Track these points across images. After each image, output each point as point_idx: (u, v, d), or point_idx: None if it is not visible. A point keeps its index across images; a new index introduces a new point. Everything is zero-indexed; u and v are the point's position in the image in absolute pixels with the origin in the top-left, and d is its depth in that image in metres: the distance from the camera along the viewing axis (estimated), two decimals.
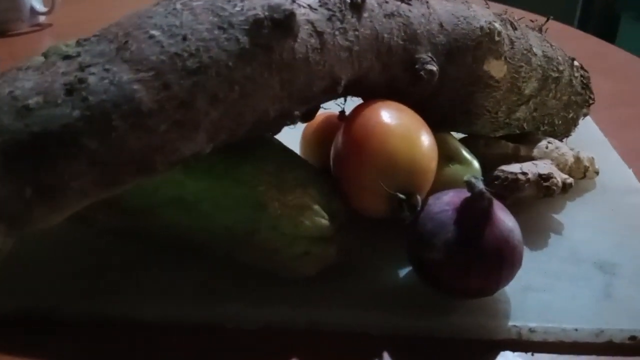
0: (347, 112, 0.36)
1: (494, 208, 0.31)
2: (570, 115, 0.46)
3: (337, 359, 0.32)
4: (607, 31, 1.50)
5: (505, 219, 0.32)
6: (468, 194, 0.31)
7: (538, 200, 0.41)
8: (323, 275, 0.34)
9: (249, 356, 0.32)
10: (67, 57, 0.26)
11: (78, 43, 0.27)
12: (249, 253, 0.34)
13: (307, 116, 0.36)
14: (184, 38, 0.27)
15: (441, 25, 0.37)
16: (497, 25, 0.38)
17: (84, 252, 0.38)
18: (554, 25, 0.46)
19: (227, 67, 0.28)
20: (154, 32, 0.26)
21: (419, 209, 0.32)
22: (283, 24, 0.29)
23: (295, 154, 0.37)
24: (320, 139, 0.42)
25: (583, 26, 1.50)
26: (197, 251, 0.36)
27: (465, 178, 0.31)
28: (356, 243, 0.37)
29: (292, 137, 0.40)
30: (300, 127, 0.41)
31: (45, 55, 0.38)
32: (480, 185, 0.30)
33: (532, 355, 0.32)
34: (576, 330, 0.32)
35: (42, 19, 0.96)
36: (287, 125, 0.33)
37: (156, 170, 0.28)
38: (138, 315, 0.34)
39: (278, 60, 0.29)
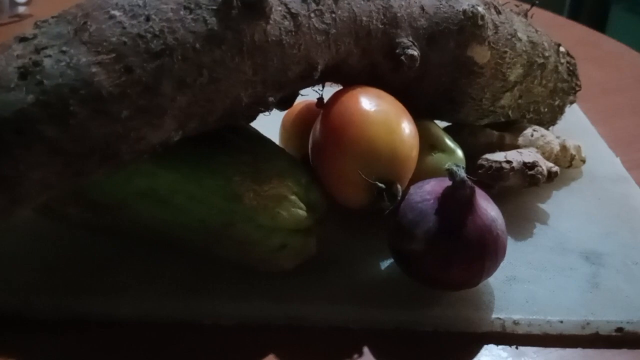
0: (326, 99, 0.35)
1: (476, 197, 0.30)
2: (557, 102, 0.45)
3: (318, 354, 0.31)
4: (597, 21, 1.49)
5: (487, 208, 0.31)
6: (450, 183, 0.30)
7: (524, 190, 0.40)
8: (302, 268, 0.33)
9: (227, 353, 0.31)
10: (23, 40, 0.24)
11: (36, 25, 0.25)
12: (226, 247, 0.33)
13: (285, 103, 0.35)
14: (147, 18, 0.25)
15: (422, 8, 0.35)
16: (480, 9, 0.37)
17: (56, 247, 0.36)
18: (543, 14, 0.45)
19: (194, 50, 0.26)
20: (115, 12, 0.25)
21: (399, 198, 0.31)
22: (254, 4, 0.27)
23: (273, 143, 0.36)
24: (299, 128, 0.40)
25: (573, 16, 1.49)
26: (172, 246, 0.35)
27: (447, 166, 0.29)
28: (336, 235, 0.36)
29: (271, 126, 0.38)
30: (279, 115, 0.40)
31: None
32: (462, 173, 0.29)
33: (517, 348, 0.31)
34: (561, 322, 0.32)
35: (21, 9, 0.94)
36: (262, 112, 0.32)
37: (122, 160, 0.26)
38: (112, 312, 0.33)
39: (249, 43, 0.28)
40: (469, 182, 0.29)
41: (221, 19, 0.27)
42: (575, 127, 0.50)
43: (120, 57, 0.24)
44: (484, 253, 0.30)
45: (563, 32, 0.62)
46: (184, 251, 0.35)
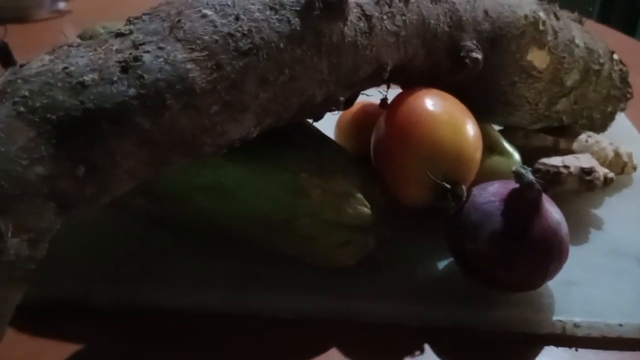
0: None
1: (543, 199, 0.30)
2: (609, 109, 0.45)
3: (375, 350, 0.32)
4: (627, 25, 1.48)
5: (552, 211, 0.31)
6: (514, 185, 0.31)
7: (576, 195, 0.40)
8: (361, 266, 0.34)
9: (285, 346, 0.32)
10: (119, 35, 0.25)
11: (129, 21, 0.26)
12: (287, 241, 0.34)
13: (347, 103, 0.36)
14: (237, 18, 0.26)
15: (486, 12, 0.36)
16: (541, 14, 0.38)
17: (118, 240, 0.38)
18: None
19: (277, 49, 0.27)
20: (206, 11, 0.26)
21: (464, 199, 0.32)
22: (334, 6, 0.28)
23: (334, 141, 0.37)
24: (356, 128, 0.41)
25: (602, 20, 1.48)
26: (233, 239, 0.36)
27: (514, 168, 0.30)
28: (393, 233, 0.37)
29: (324, 126, 0.39)
30: (330, 116, 0.41)
31: (81, 37, 0.38)
32: (530, 175, 0.30)
33: (576, 350, 0.31)
34: (621, 325, 0.32)
35: (61, 5, 0.96)
36: (331, 111, 0.32)
37: (204, 152, 0.27)
38: (172, 302, 0.34)
39: (328, 43, 0.29)
40: (537, 185, 0.30)
41: (303, 19, 0.27)
42: (621, 134, 0.50)
43: (212, 54, 0.25)
44: (549, 256, 0.30)
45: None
46: (244, 245, 0.36)
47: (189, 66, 0.25)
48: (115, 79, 0.23)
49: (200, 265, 0.35)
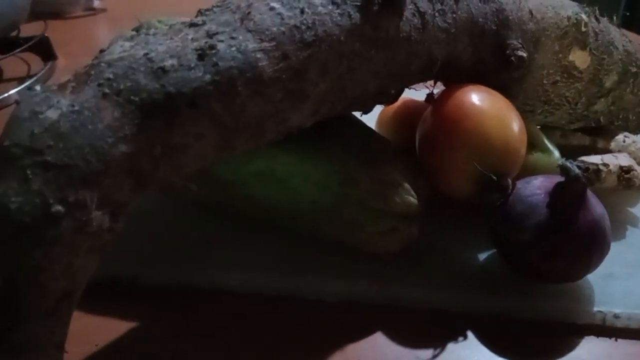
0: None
1: (587, 193, 0.31)
2: None
3: (417, 334, 0.33)
4: None
5: (596, 204, 0.32)
6: (558, 179, 0.32)
7: (613, 193, 0.41)
8: (405, 253, 0.35)
9: (328, 328, 0.33)
10: (193, 25, 0.27)
11: (200, 13, 0.28)
12: (334, 228, 0.35)
13: (395, 97, 0.37)
14: (302, 11, 0.27)
15: (531, 13, 0.37)
16: (583, 16, 0.39)
17: (167, 223, 0.39)
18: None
19: (338, 42, 0.28)
20: (274, 4, 0.27)
21: (509, 190, 0.33)
22: (392, 1, 0.29)
23: (378, 133, 0.38)
24: (397, 124, 0.42)
25: (626, 25, 1.47)
26: (282, 225, 0.37)
27: (560, 162, 0.31)
28: (435, 223, 0.38)
29: (365, 121, 0.40)
30: (373, 112, 0.42)
31: (137, 30, 0.40)
32: (576, 169, 0.31)
33: (616, 340, 0.32)
34: None
35: (96, 3, 0.98)
36: (381, 103, 0.34)
37: (265, 138, 0.29)
38: (221, 284, 0.35)
39: (384, 37, 0.30)
40: (583, 178, 0.31)
41: (363, 14, 0.29)
42: None
43: (279, 45, 0.27)
44: (592, 248, 0.31)
45: None
46: (291, 231, 0.37)
47: (258, 55, 0.26)
48: (192, 65, 0.25)
49: (248, 249, 0.37)
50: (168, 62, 0.25)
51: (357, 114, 0.37)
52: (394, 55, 0.31)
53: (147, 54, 0.25)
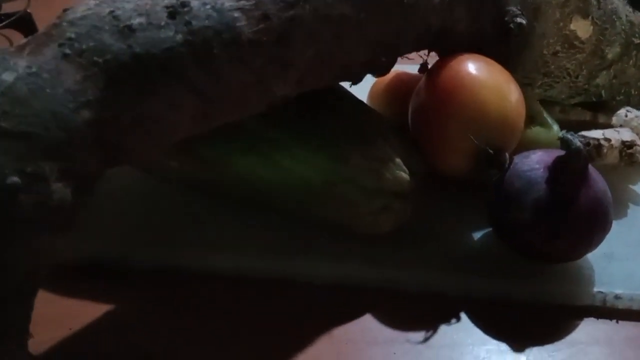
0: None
1: (589, 168, 0.30)
2: None
3: (409, 317, 0.31)
4: None
5: (598, 180, 0.30)
6: (558, 153, 0.30)
7: (614, 170, 0.39)
8: (398, 234, 0.33)
9: (317, 311, 0.32)
10: None
11: None
12: (325, 206, 0.33)
13: (387, 68, 0.35)
14: None
15: None
16: None
17: (153, 203, 0.37)
18: None
19: (325, 4, 0.26)
20: None
21: (506, 166, 0.31)
22: None
23: (370, 107, 0.36)
24: (390, 98, 0.40)
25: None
26: (270, 205, 0.35)
27: (561, 134, 0.29)
28: (430, 202, 0.36)
29: (357, 94, 0.38)
30: (364, 84, 0.40)
31: None
32: (578, 142, 0.29)
33: (617, 322, 0.31)
34: None
35: None
36: (372, 74, 0.32)
37: (246, 110, 0.27)
38: (208, 267, 0.33)
39: (374, 1, 0.28)
40: (584, 152, 0.29)
41: None
42: None
43: (260, 3, 0.24)
44: (594, 225, 0.30)
45: None
46: (279, 211, 0.35)
47: (236, 15, 0.24)
48: (162, 24, 0.23)
49: (236, 231, 0.35)
50: (136, 21, 0.22)
51: (347, 85, 0.35)
52: (386, 22, 0.29)
53: (112, 11, 0.23)
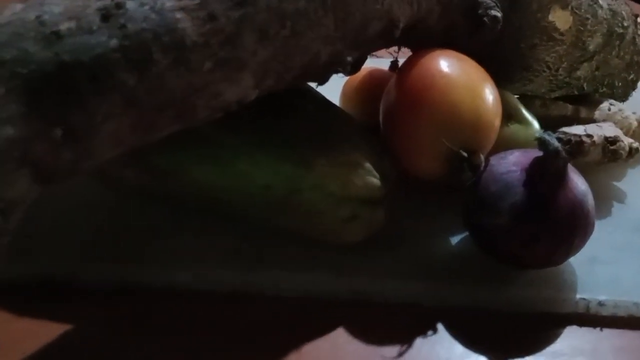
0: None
1: (568, 169, 0.28)
2: (631, 77, 0.43)
3: (385, 331, 0.30)
4: None
5: (578, 181, 0.29)
6: (537, 154, 0.28)
7: (597, 167, 0.38)
8: (369, 242, 0.32)
9: (285, 326, 0.30)
10: None
11: None
12: (289, 216, 0.31)
13: (355, 66, 0.33)
14: None
15: None
16: None
17: (108, 215, 0.35)
18: None
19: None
20: None
21: (481, 169, 0.29)
22: None
23: (339, 108, 0.34)
24: (362, 96, 0.38)
25: None
26: (231, 215, 0.33)
27: (538, 134, 0.27)
28: (403, 207, 0.34)
29: (328, 93, 0.36)
30: (337, 82, 0.38)
31: None
32: (556, 142, 0.27)
33: (601, 330, 0.29)
34: None
35: None
36: (337, 72, 0.30)
37: (196, 117, 0.25)
38: (167, 281, 0.32)
39: None
40: (563, 153, 0.27)
41: None
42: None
43: (205, 3, 0.22)
44: (574, 230, 0.28)
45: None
46: (243, 221, 0.34)
47: (178, 15, 0.22)
48: (94, 28, 0.21)
49: (196, 243, 0.33)
50: (64, 26, 0.20)
51: (314, 85, 0.33)
52: (347, 17, 0.27)
53: (39, 16, 0.21)
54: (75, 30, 0.20)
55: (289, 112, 0.31)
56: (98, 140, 0.22)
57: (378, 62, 0.38)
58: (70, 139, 0.21)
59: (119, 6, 0.21)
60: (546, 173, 0.28)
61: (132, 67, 0.21)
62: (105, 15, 0.21)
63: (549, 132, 0.28)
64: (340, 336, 0.29)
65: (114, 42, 0.21)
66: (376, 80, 0.38)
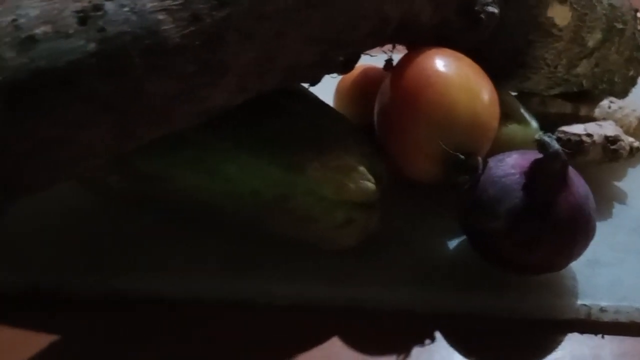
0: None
1: (568, 171, 0.27)
2: (631, 73, 0.41)
3: (380, 339, 0.29)
4: None
5: (579, 184, 0.28)
6: (536, 156, 0.27)
7: (597, 167, 0.37)
8: (363, 247, 0.31)
9: (280, 335, 0.29)
10: None
11: None
12: (281, 222, 0.30)
13: (347, 66, 0.32)
14: None
15: None
16: None
17: (95, 223, 0.34)
18: None
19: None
20: None
21: (479, 171, 0.28)
22: None
23: (333, 109, 0.33)
24: (356, 95, 0.37)
25: None
26: (221, 221, 0.32)
27: (537, 136, 0.26)
28: (398, 211, 0.34)
29: (322, 93, 0.35)
30: (331, 82, 0.37)
31: None
32: (556, 144, 0.26)
33: (603, 337, 0.29)
34: None
35: None
36: (329, 73, 0.29)
37: (178, 123, 0.24)
38: (155, 290, 0.31)
39: None
40: (563, 155, 0.26)
41: None
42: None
43: (188, 3, 0.21)
44: (575, 235, 0.27)
45: None
46: (233, 227, 0.33)
47: (160, 17, 0.21)
48: (71, 31, 0.20)
49: (184, 250, 0.32)
50: (40, 30, 0.19)
51: (307, 85, 0.32)
52: (334, 15, 0.26)
53: (15, 20, 0.20)
54: (51, 34, 0.19)
55: (280, 113, 0.30)
56: (74, 150, 0.21)
57: (372, 61, 0.37)
58: (41, 149, 0.20)
59: (97, 8, 0.20)
60: (546, 176, 0.27)
61: (109, 73, 0.20)
62: (83, 18, 0.20)
63: (549, 134, 0.27)
64: (334, 344, 0.29)
65: (91, 46, 0.20)
66: (370, 80, 0.37)
